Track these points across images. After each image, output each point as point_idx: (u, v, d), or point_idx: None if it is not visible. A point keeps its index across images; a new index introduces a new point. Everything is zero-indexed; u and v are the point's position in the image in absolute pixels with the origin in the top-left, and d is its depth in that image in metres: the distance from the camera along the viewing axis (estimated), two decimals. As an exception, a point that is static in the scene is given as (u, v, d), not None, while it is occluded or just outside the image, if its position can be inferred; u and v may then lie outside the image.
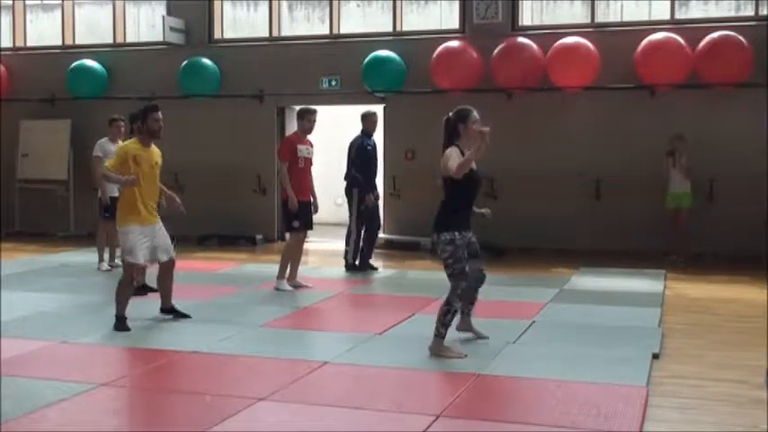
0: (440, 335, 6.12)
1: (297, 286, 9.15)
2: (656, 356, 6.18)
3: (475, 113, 6.15)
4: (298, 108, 9.56)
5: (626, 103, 12.21)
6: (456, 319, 6.35)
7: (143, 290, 8.48)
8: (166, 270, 7.44)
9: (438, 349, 6.10)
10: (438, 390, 5.51)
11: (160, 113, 7.30)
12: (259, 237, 13.78)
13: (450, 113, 6.23)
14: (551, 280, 9.83)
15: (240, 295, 8.77)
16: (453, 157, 5.98)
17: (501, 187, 12.49)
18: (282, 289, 9.00)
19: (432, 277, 9.80)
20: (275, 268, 9.43)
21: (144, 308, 7.63)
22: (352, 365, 5.92)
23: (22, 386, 5.34)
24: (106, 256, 10.50)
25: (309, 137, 9.22)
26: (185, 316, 7.45)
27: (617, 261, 11.07)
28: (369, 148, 10.31)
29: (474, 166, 6.05)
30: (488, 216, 6.55)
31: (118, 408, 5.17)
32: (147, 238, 7.12)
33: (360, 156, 10.23)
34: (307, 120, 9.13)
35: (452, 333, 6.34)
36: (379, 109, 13.37)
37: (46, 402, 4.98)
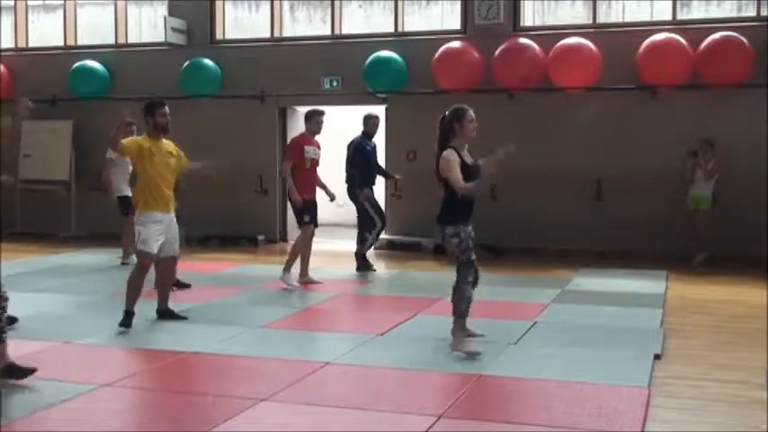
0: (459, 326, 6.28)
1: (308, 283, 9.29)
2: (657, 357, 6.19)
3: (471, 112, 6.20)
4: (306, 110, 9.67)
5: (627, 104, 12.21)
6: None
7: (175, 285, 8.59)
8: (167, 269, 7.40)
9: (457, 343, 6.23)
10: (440, 390, 5.51)
11: (167, 108, 7.30)
12: (261, 237, 13.78)
13: (447, 112, 6.27)
14: (553, 281, 9.83)
15: (242, 296, 8.77)
16: (454, 168, 6.08)
17: (502, 188, 12.49)
18: (290, 283, 9.08)
19: (433, 278, 9.82)
20: (277, 269, 9.44)
21: (144, 308, 7.61)
22: (354, 366, 5.92)
23: (22, 387, 5.33)
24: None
25: (318, 138, 9.40)
26: (182, 318, 7.44)
27: (618, 262, 11.07)
28: (368, 148, 10.44)
29: (469, 160, 6.19)
30: (511, 149, 6.23)
31: (120, 408, 5.17)
32: (161, 229, 7.10)
33: (359, 154, 10.36)
34: (314, 121, 9.31)
35: (440, 339, 6.32)
36: (380, 109, 13.38)
37: (47, 403, 4.98)
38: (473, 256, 6.22)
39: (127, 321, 7.00)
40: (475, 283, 6.37)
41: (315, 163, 9.31)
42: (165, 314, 7.42)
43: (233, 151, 14.04)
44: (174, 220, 7.29)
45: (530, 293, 8.88)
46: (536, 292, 8.96)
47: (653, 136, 12.05)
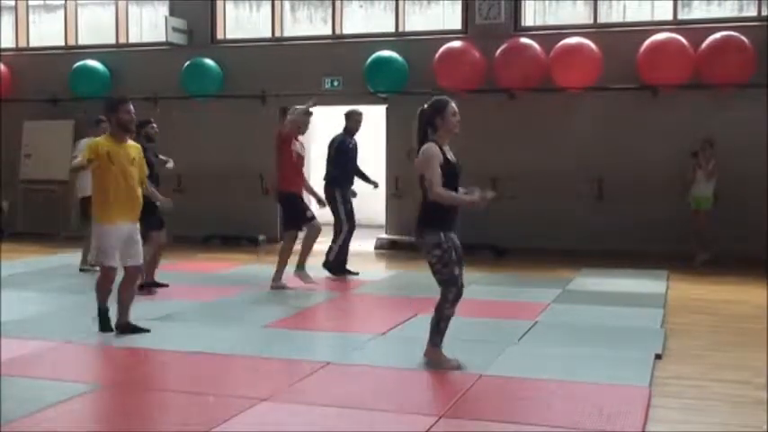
0: (435, 343, 5.75)
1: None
2: (658, 357, 6.18)
3: (453, 105, 5.61)
4: (298, 107, 9.33)
5: (628, 104, 12.21)
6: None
7: (153, 286, 8.57)
8: (129, 278, 6.85)
9: (434, 356, 5.75)
10: (440, 390, 5.50)
11: (131, 105, 6.74)
12: (261, 237, 13.77)
13: (426, 105, 5.72)
14: (554, 280, 9.81)
15: (243, 296, 8.76)
16: (433, 165, 5.47)
17: (503, 187, 12.46)
18: (280, 286, 8.97)
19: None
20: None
21: (145, 308, 7.61)
22: (355, 366, 5.91)
23: (22, 387, 5.33)
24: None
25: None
26: (145, 330, 6.85)
27: (619, 262, 11.06)
28: (350, 146, 10.10)
29: (452, 158, 5.61)
30: (490, 196, 5.64)
31: (120, 408, 5.16)
32: (120, 239, 6.65)
33: (340, 153, 10.02)
34: (288, 120, 9.09)
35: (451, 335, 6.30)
36: (381, 109, 13.40)
37: (47, 403, 4.97)
38: (456, 271, 5.62)
39: (105, 323, 6.80)
40: (456, 300, 5.73)
41: (301, 159, 9.13)
42: (124, 328, 6.83)
43: (234, 151, 14.06)
44: (137, 229, 6.81)
45: (531, 293, 8.88)
46: (537, 291, 8.95)
47: (654, 136, 12.04)
